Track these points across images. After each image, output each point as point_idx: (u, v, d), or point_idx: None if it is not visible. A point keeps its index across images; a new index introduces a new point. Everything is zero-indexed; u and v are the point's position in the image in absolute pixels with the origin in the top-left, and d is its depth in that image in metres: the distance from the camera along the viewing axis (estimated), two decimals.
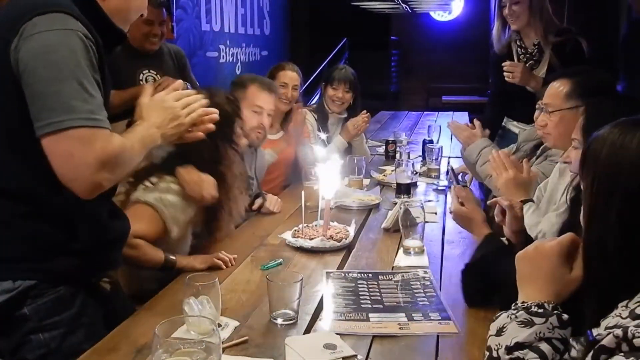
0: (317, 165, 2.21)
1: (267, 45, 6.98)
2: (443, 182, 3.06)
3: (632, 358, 0.84)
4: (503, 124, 3.18)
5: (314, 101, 3.48)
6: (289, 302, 1.52)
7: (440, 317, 1.54)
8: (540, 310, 1.04)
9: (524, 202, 1.92)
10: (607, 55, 4.52)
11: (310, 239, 2.05)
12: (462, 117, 5.64)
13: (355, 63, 7.69)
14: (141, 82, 2.94)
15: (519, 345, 1.01)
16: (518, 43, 3.09)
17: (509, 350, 1.02)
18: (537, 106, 2.11)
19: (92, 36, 1.35)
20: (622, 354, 0.86)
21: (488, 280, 1.54)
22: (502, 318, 1.07)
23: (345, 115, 3.36)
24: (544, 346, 1.00)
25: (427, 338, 1.44)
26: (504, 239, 1.70)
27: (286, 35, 7.69)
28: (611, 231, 0.96)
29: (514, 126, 3.10)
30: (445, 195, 2.83)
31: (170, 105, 1.52)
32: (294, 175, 3.15)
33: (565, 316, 1.03)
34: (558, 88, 1.98)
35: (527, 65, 2.99)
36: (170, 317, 1.47)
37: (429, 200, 2.73)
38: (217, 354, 1.03)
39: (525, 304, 1.06)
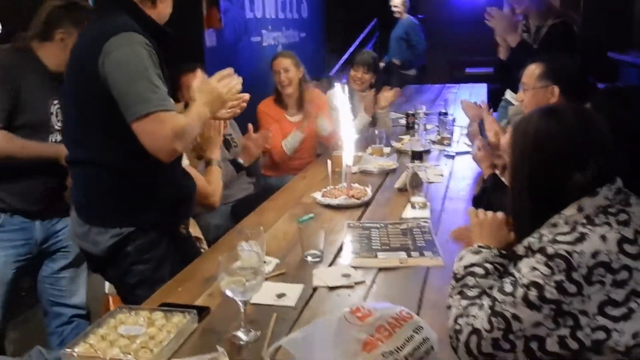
0: (335, 134, 2.56)
1: (305, 27, 7.23)
2: (454, 149, 3.35)
3: (531, 257, 1.21)
4: (504, 96, 3.44)
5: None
6: (316, 244, 1.87)
7: (432, 255, 1.88)
8: (485, 246, 1.41)
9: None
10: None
11: (336, 198, 2.40)
12: (481, 88, 5.85)
13: (385, 41, 7.89)
14: (52, 114, 2.23)
15: (471, 265, 1.36)
16: (524, 22, 3.32)
17: (465, 267, 1.37)
18: None
19: (151, 42, 1.72)
20: (526, 257, 1.22)
21: (487, 206, 1.93)
22: (462, 252, 1.44)
23: (372, 95, 3.65)
24: (488, 265, 1.35)
25: (419, 269, 1.78)
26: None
27: (322, 17, 7.92)
28: (524, 180, 1.31)
29: (512, 97, 3.35)
30: (453, 158, 3.15)
31: (215, 87, 1.86)
32: (325, 146, 3.50)
33: (504, 252, 1.38)
34: (534, 70, 2.26)
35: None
36: None
37: (438, 165, 3.03)
38: (262, 275, 1.40)
39: (477, 244, 1.43)
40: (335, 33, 7.86)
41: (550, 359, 1.19)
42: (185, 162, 2.32)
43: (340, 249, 1.95)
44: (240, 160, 2.88)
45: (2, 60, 2.17)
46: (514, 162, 1.35)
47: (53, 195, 2.26)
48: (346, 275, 1.73)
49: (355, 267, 1.79)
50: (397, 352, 1.12)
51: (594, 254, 1.15)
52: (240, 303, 1.39)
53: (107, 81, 1.65)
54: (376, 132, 3.22)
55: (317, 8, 7.75)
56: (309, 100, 3.49)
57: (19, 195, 2.20)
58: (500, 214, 1.50)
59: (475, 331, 1.21)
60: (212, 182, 2.45)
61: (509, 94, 3.44)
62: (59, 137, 2.23)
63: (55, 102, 2.22)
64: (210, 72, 2.98)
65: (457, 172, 2.91)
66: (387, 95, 3.59)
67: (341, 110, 2.56)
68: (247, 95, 2.04)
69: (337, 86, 2.70)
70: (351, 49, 7.35)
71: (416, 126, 3.69)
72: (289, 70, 3.45)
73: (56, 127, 2.23)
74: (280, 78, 3.45)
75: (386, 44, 7.52)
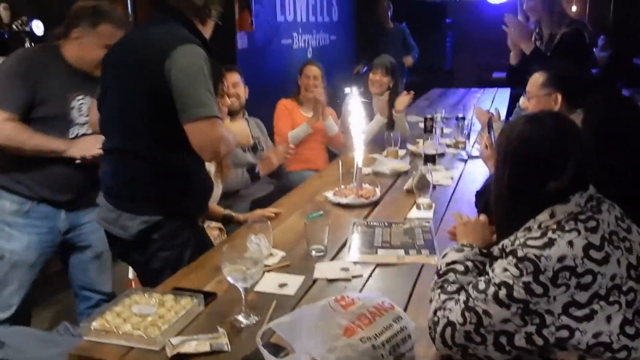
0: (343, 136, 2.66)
1: (335, 30, 7.32)
2: (467, 153, 3.40)
3: (504, 259, 1.29)
4: (519, 102, 3.47)
5: None
6: (320, 239, 1.98)
7: (428, 253, 1.96)
8: (468, 245, 1.48)
9: None
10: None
11: (346, 197, 2.50)
12: (504, 93, 5.85)
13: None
14: (72, 109, 2.31)
15: (454, 262, 1.44)
16: (537, 30, 3.36)
17: (447, 264, 1.45)
18: None
19: (207, 56, 1.87)
20: (500, 258, 1.30)
21: (486, 202, 2.01)
22: (447, 249, 1.52)
23: (386, 98, 3.74)
24: (469, 263, 1.43)
25: (414, 266, 1.86)
26: None
27: (352, 21, 8.00)
28: (504, 182, 1.38)
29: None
30: (466, 162, 3.21)
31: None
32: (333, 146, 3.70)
33: (484, 251, 1.45)
34: (537, 78, 2.31)
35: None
36: None
37: (450, 168, 3.09)
38: (261, 264, 1.51)
39: (461, 243, 1.50)
40: (364, 37, 7.90)
41: (518, 352, 1.27)
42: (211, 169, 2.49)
43: (343, 245, 2.05)
44: (258, 170, 2.99)
45: (28, 56, 2.32)
46: (497, 165, 1.43)
47: (80, 188, 2.36)
48: (345, 269, 1.83)
49: (355, 262, 1.89)
50: (375, 338, 1.22)
51: (560, 259, 1.22)
52: (241, 289, 1.50)
53: (171, 82, 1.80)
54: (391, 135, 3.30)
55: (348, 11, 7.83)
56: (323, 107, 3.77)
57: (46, 185, 2.29)
58: (483, 216, 1.58)
59: (450, 323, 1.30)
60: None
61: (522, 101, 3.48)
62: (81, 131, 2.32)
63: (80, 97, 2.31)
64: (242, 74, 3.17)
65: (467, 175, 2.97)
66: (403, 99, 3.66)
67: (354, 114, 2.66)
68: None
69: (354, 90, 2.80)
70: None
71: (434, 130, 3.76)
72: (317, 79, 3.77)
73: (77, 121, 2.31)
74: (309, 83, 3.76)
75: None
